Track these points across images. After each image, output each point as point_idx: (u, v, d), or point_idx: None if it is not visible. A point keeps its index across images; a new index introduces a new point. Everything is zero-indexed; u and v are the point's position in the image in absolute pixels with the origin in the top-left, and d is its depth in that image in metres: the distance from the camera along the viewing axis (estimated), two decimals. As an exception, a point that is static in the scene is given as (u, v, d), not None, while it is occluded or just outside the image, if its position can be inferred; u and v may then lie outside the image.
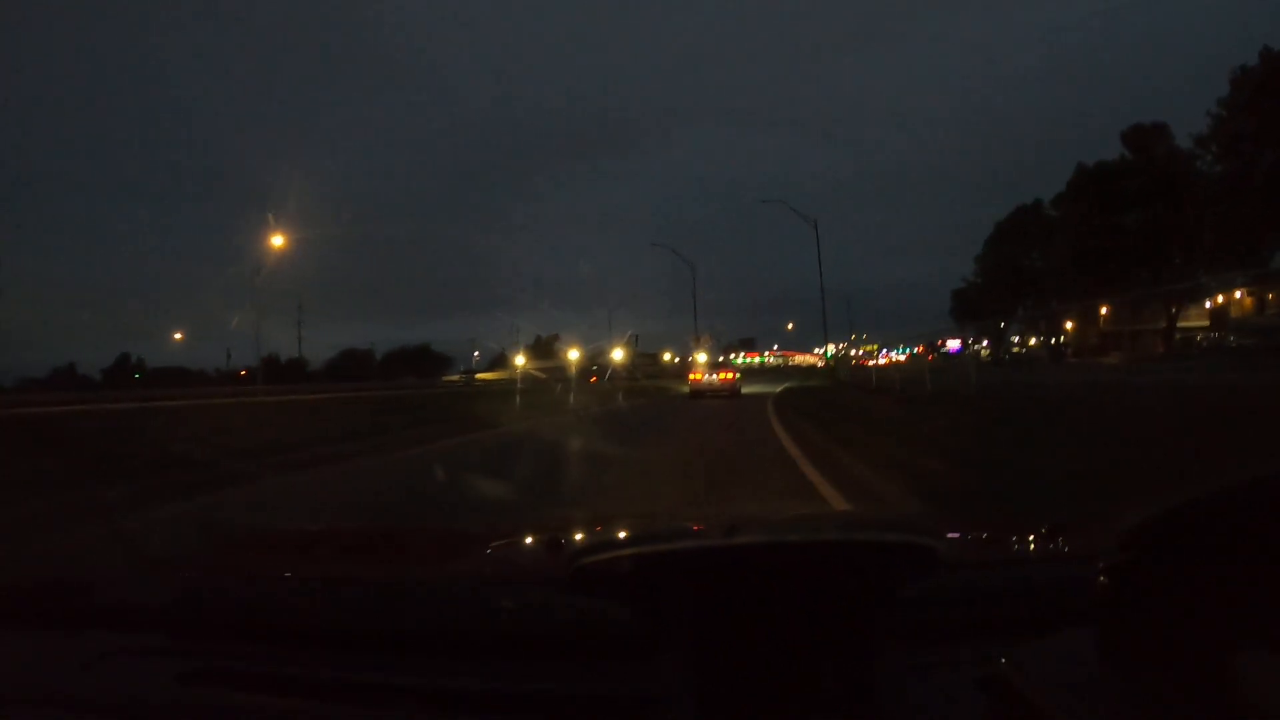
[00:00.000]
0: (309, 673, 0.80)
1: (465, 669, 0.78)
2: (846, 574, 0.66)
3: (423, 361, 55.68)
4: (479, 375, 55.35)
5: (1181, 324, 36.98)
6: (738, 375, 20.87)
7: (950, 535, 1.16)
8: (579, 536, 1.23)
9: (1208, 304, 32.47)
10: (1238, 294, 31.73)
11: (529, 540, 1.30)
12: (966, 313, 51.19)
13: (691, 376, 20.49)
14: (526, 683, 0.76)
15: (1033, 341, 47.17)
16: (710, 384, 18.99)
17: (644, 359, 58.65)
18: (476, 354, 70.05)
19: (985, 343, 48.91)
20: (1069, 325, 38.41)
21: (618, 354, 41.79)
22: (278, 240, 24.98)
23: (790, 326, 72.51)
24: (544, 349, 61.59)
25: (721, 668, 0.65)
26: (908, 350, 44.55)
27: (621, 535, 1.07)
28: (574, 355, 38.68)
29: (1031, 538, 1.18)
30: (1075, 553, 0.99)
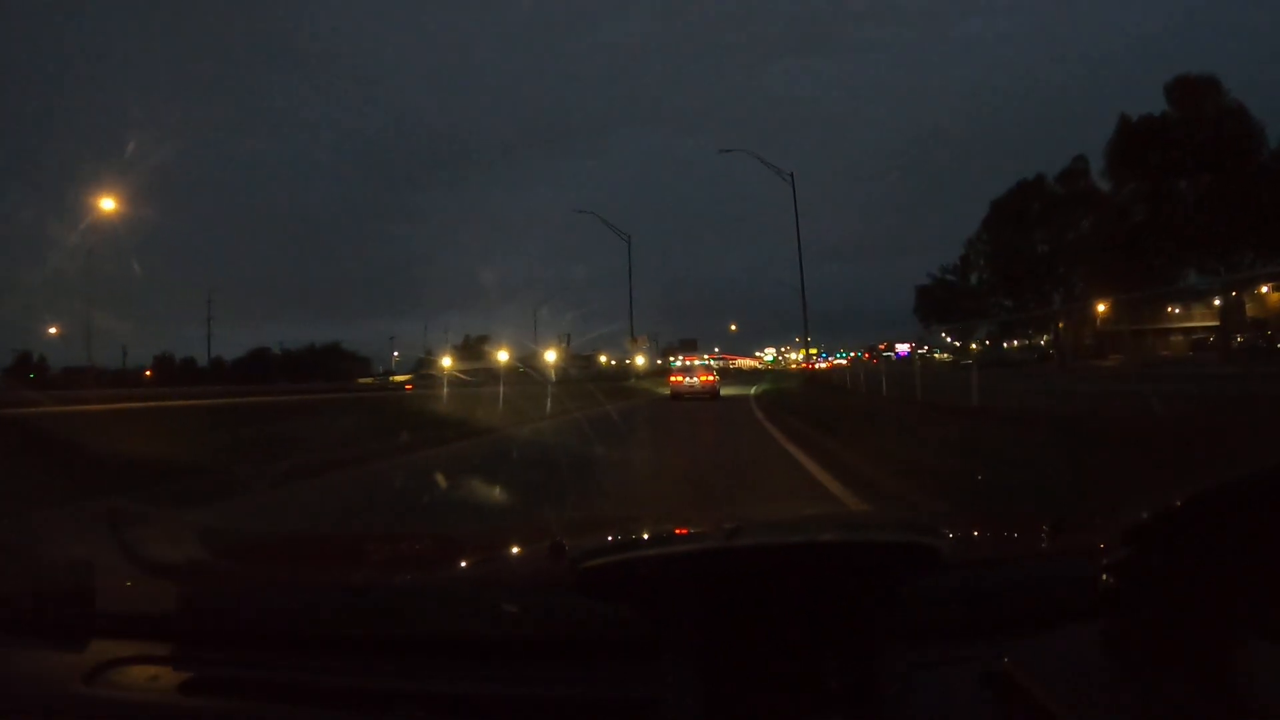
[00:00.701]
0: (312, 680, 0.82)
1: (469, 673, 0.81)
2: (848, 574, 0.70)
3: (335, 362, 49.86)
4: (395, 378, 49.91)
5: (1182, 324, 33.30)
6: (717, 378, 22.32)
7: (952, 533, 1.19)
8: (583, 540, 1.24)
9: (1217, 300, 28.76)
10: (1264, 288, 28.19)
11: (532, 544, 1.34)
12: (935, 311, 46.89)
13: (672, 379, 21.91)
14: (531, 686, 0.79)
15: (973, 346, 43.98)
16: (691, 386, 20.42)
17: (579, 361, 55.09)
18: (396, 354, 64.05)
19: (925, 347, 48.78)
20: (1061, 325, 34.19)
21: (550, 355, 38.06)
22: (108, 204, 20.16)
23: (734, 328, 69.24)
24: (472, 350, 57.41)
25: (725, 669, 0.69)
26: (849, 354, 44.29)
27: (625, 538, 1.11)
28: (503, 357, 34.97)
29: (1034, 535, 1.23)
30: (1078, 549, 1.02)
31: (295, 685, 0.82)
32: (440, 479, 5.86)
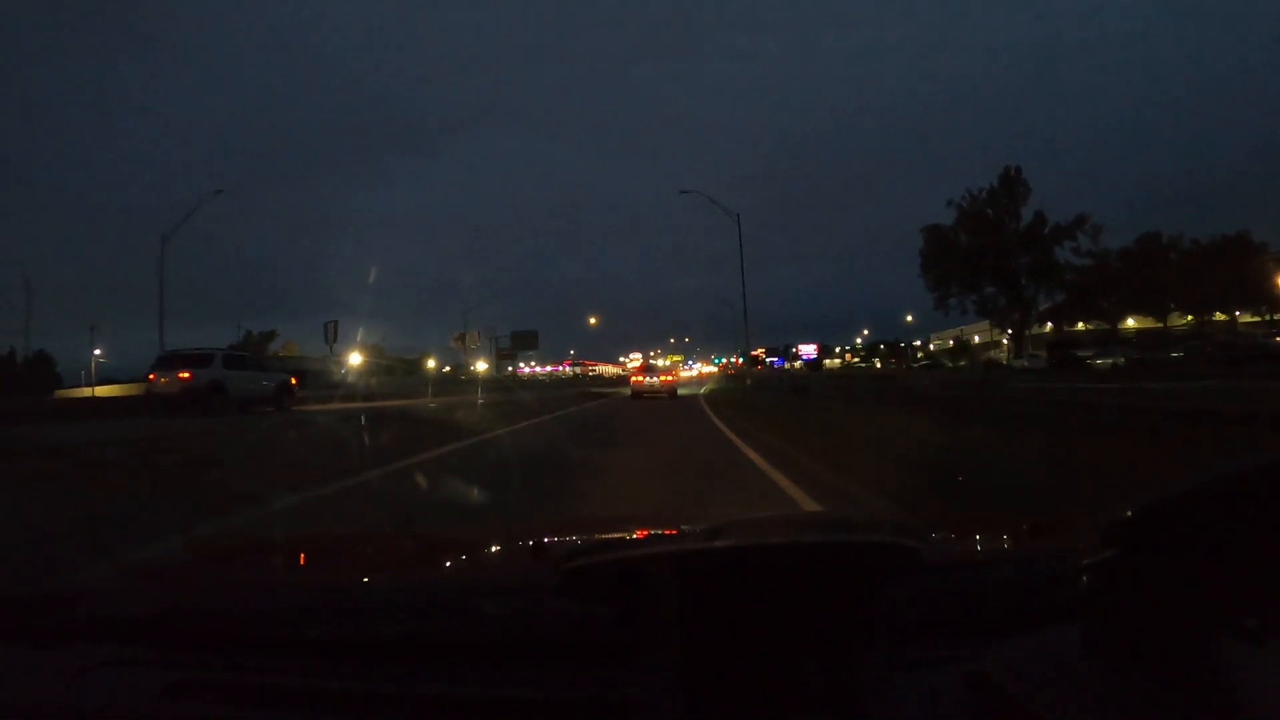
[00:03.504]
0: (295, 682, 0.87)
1: (452, 676, 0.85)
2: (830, 575, 0.74)
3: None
4: (94, 391, 40.59)
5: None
6: (675, 379, 26.87)
7: (933, 535, 1.24)
8: (564, 541, 1.32)
9: None
10: None
11: (514, 545, 1.41)
12: (964, 267, 30.90)
13: (633, 380, 26.11)
14: (512, 688, 0.83)
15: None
16: (650, 386, 23.92)
17: (395, 365, 50.28)
18: (99, 352, 52.63)
19: (813, 350, 45.42)
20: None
21: (355, 358, 34.22)
22: None
23: (594, 321, 61.86)
24: (255, 349, 50.23)
25: (707, 669, 0.72)
26: (719, 361, 46.17)
27: (606, 539, 1.20)
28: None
29: (1014, 535, 1.31)
30: (1058, 550, 1.09)
31: (277, 687, 0.86)
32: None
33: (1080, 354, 34.77)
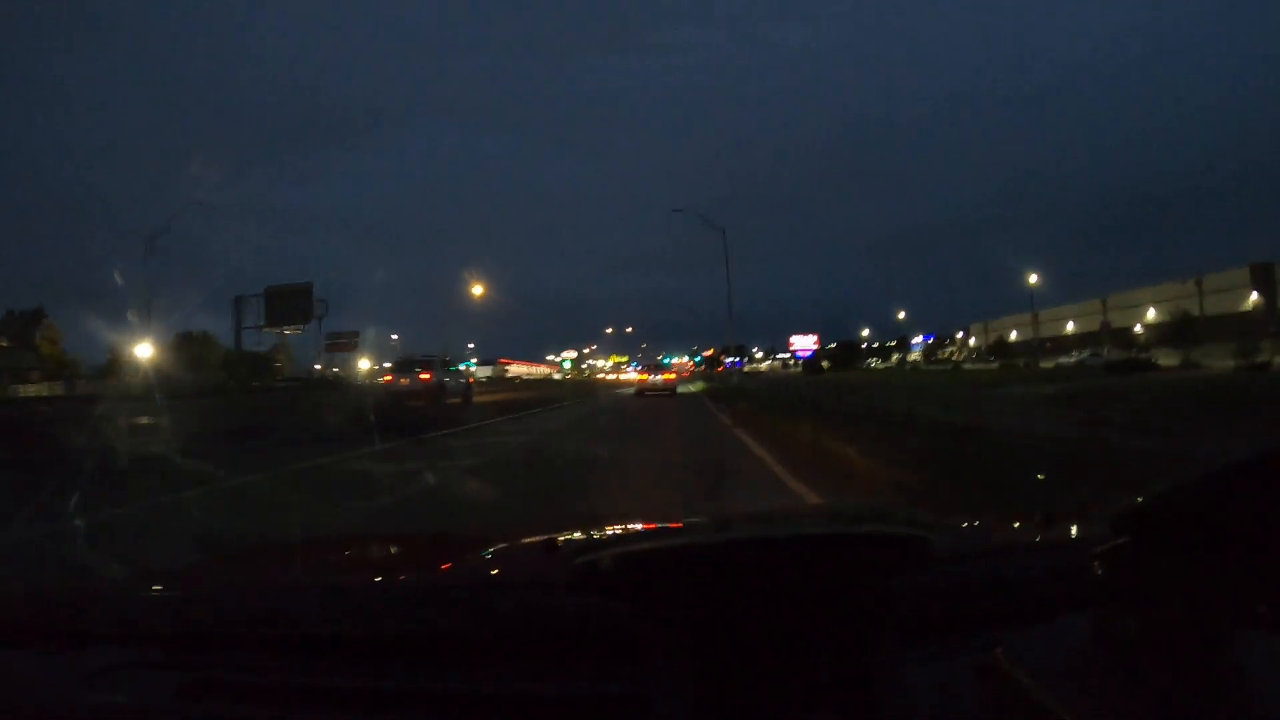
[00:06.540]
0: (308, 682, 0.90)
1: (463, 673, 0.88)
2: (840, 567, 0.77)
3: None
4: None
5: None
6: (676, 376, 29.40)
7: (943, 526, 1.28)
8: (574, 537, 1.35)
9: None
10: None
11: (525, 542, 1.45)
12: None
13: (639, 378, 29.37)
14: (525, 684, 0.86)
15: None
16: (654, 384, 26.71)
17: (237, 360, 44.06)
18: None
19: (812, 344, 37.93)
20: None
21: (145, 349, 29.41)
22: None
23: (480, 292, 53.75)
24: (17, 333, 45.32)
25: (717, 663, 0.75)
26: (669, 362, 46.34)
27: (615, 534, 1.25)
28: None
29: (1025, 526, 1.36)
30: (1069, 540, 1.14)
31: (291, 687, 0.89)
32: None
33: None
